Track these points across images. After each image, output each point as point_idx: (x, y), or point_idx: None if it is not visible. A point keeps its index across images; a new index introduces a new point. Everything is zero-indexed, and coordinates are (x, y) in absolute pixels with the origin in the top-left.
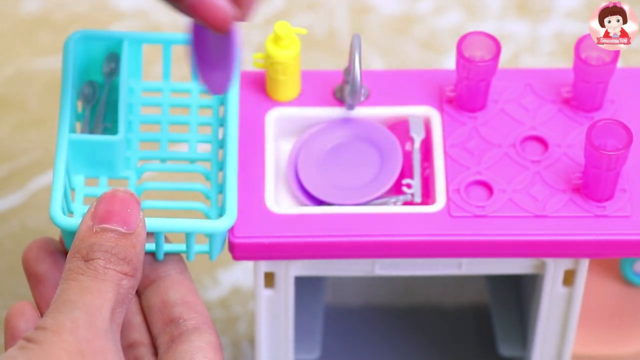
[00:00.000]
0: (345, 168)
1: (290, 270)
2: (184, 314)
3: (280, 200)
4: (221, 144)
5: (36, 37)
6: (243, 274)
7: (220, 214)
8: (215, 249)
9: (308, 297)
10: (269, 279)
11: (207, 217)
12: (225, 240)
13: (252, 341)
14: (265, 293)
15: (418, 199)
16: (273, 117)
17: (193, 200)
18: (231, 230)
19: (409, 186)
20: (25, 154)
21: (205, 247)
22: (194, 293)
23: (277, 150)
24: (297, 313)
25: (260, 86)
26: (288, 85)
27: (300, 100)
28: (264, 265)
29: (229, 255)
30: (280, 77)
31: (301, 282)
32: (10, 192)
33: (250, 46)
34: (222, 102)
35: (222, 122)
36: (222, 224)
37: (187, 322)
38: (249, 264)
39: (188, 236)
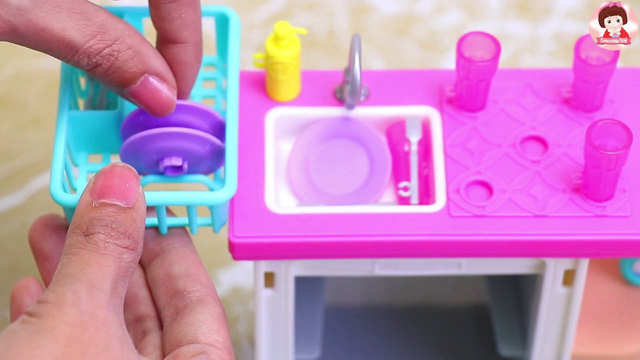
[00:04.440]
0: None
1: (290, 270)
2: (188, 286)
3: (280, 200)
4: (224, 115)
5: None
6: (243, 274)
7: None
8: (218, 221)
9: (308, 297)
10: (269, 279)
11: (210, 189)
12: (227, 212)
13: (252, 341)
14: (265, 293)
15: (415, 201)
16: (273, 117)
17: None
18: (231, 230)
19: (405, 189)
20: (25, 154)
21: (208, 220)
22: (199, 265)
23: (277, 150)
24: (297, 313)
25: (260, 86)
26: (288, 85)
27: (300, 100)
28: (264, 265)
29: (229, 255)
30: (280, 77)
31: (301, 282)
32: (10, 192)
33: (250, 46)
34: (225, 75)
35: (225, 95)
36: (222, 196)
37: (192, 294)
38: (249, 264)
39: (189, 209)
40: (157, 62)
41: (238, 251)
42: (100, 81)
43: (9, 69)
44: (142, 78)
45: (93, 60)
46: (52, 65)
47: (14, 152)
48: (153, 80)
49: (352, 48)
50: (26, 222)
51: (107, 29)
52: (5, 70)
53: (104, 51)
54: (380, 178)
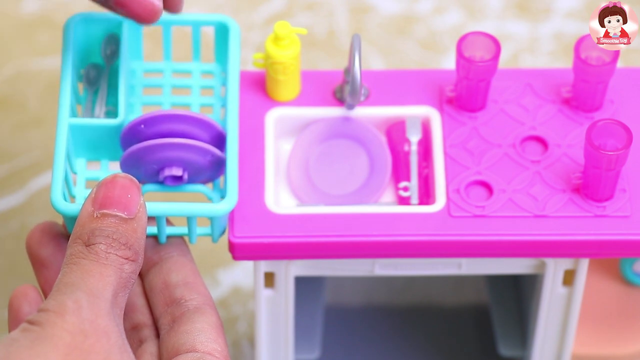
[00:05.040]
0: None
1: (290, 270)
2: (185, 294)
3: (280, 200)
4: (223, 125)
5: (36, 37)
6: (243, 274)
7: (223, 196)
8: (217, 231)
9: (308, 297)
10: (269, 279)
11: (210, 199)
12: (226, 222)
13: (252, 341)
14: (265, 293)
15: (415, 201)
16: (273, 117)
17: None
18: (231, 230)
19: (405, 189)
20: (25, 154)
21: (207, 229)
22: (196, 274)
23: (277, 150)
24: (297, 313)
25: (260, 86)
26: (288, 85)
27: (300, 100)
28: (264, 265)
29: (229, 255)
30: (280, 77)
31: (301, 282)
32: (10, 192)
33: (250, 46)
34: (224, 83)
35: (224, 103)
36: (222, 207)
37: (189, 303)
38: (249, 264)
39: (189, 219)
40: None
41: (238, 251)
42: None
43: (9, 69)
44: None
45: None
46: (52, 65)
47: (14, 152)
48: None
49: (352, 48)
50: (26, 222)
51: None
52: (5, 70)
53: None
54: (380, 178)
